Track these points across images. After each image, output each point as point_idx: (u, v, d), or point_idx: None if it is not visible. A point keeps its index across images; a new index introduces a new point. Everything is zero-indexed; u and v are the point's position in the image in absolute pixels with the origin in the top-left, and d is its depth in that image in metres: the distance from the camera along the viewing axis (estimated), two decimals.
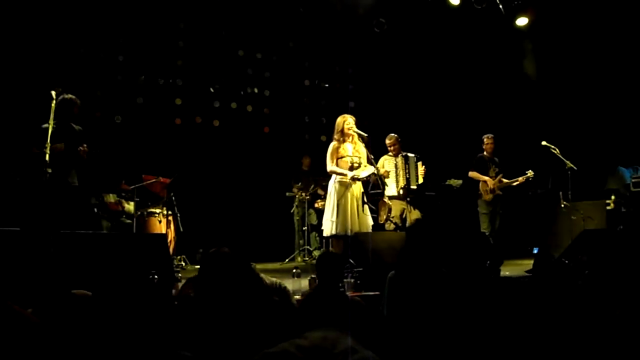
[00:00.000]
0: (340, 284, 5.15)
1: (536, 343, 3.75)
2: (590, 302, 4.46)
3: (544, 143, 10.61)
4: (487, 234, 10.37)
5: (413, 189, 9.72)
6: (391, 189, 9.67)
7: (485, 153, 10.84)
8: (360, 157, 8.64)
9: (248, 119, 13.51)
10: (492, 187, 10.54)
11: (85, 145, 8.20)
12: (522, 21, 12.76)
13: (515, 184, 10.59)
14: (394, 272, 5.56)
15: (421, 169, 9.88)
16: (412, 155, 9.92)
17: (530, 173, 10.49)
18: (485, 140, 10.86)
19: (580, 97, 13.01)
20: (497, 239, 10.41)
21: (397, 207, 9.62)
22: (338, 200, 8.42)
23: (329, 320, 4.61)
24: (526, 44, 13.31)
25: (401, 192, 9.62)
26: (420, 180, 9.88)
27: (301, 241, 11.94)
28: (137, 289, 4.22)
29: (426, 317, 4.86)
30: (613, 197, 11.31)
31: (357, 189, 8.60)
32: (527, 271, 9.19)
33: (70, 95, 8.33)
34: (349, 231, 8.31)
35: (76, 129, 8.35)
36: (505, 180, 10.60)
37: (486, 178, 10.60)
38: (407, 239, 5.60)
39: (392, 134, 9.99)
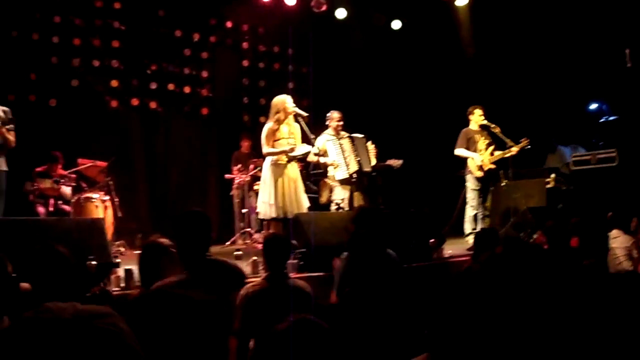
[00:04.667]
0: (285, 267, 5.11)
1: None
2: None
3: (484, 122, 10.42)
4: (475, 211, 10.25)
5: (367, 172, 9.59)
6: (341, 173, 9.43)
7: (470, 126, 10.50)
8: (295, 139, 8.57)
9: (186, 100, 13.30)
10: (481, 163, 10.19)
11: (9, 127, 7.97)
12: (461, 1, 12.76)
13: (508, 155, 10.22)
14: (346, 254, 5.55)
15: (372, 147, 9.77)
16: (361, 135, 9.81)
17: (525, 141, 10.18)
18: (472, 111, 10.49)
19: (520, 76, 13.10)
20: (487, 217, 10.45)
21: (344, 190, 9.45)
22: (275, 183, 8.36)
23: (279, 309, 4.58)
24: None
25: (354, 176, 9.40)
26: (374, 161, 9.74)
27: (241, 224, 11.82)
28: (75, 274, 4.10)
29: (379, 299, 4.86)
30: (553, 176, 11.36)
31: (293, 170, 8.53)
32: (469, 249, 9.20)
33: None
34: (287, 213, 8.26)
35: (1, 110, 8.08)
36: (497, 153, 10.28)
37: (473, 154, 10.23)
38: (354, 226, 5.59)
39: (338, 111, 9.80)
